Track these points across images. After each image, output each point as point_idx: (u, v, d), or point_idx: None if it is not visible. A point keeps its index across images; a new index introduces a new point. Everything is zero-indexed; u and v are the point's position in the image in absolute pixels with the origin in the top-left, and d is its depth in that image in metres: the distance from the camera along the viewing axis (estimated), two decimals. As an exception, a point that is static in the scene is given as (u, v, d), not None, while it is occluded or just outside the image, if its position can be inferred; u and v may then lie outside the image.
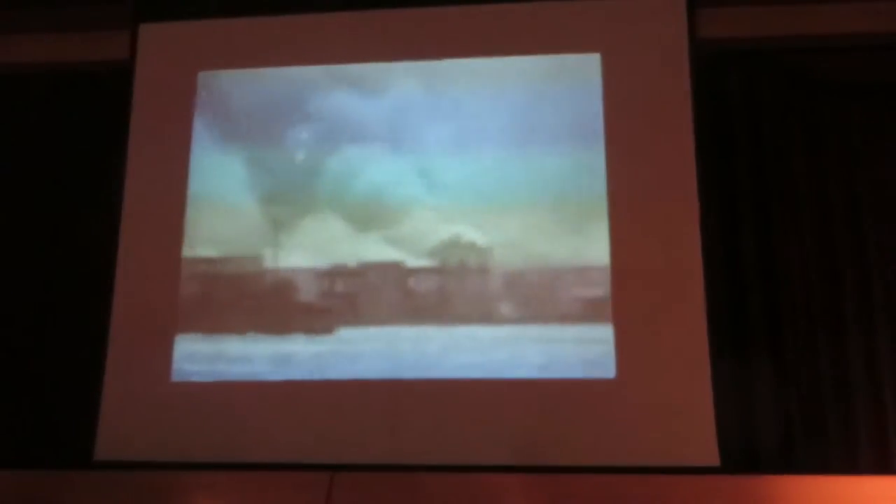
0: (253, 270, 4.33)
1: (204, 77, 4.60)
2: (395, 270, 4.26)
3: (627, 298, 4.09)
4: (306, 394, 4.13)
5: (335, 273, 4.30)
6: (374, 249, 4.29)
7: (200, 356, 4.22)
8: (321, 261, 4.30)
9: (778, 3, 4.52)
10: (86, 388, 4.20)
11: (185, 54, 4.66)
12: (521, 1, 4.48)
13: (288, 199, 4.41)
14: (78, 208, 4.62)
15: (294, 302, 4.28)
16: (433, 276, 4.23)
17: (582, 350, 4.06)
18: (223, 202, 4.42)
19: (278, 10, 4.62)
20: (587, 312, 4.11)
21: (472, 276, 4.22)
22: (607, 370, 4.03)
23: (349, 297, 4.24)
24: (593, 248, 4.16)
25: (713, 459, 3.82)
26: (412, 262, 4.26)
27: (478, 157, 4.33)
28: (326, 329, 4.21)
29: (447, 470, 3.81)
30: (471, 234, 4.26)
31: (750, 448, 4.02)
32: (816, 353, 4.17)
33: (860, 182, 4.39)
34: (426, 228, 4.28)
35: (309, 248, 4.32)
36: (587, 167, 4.25)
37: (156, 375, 4.20)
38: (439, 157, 4.36)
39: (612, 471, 3.75)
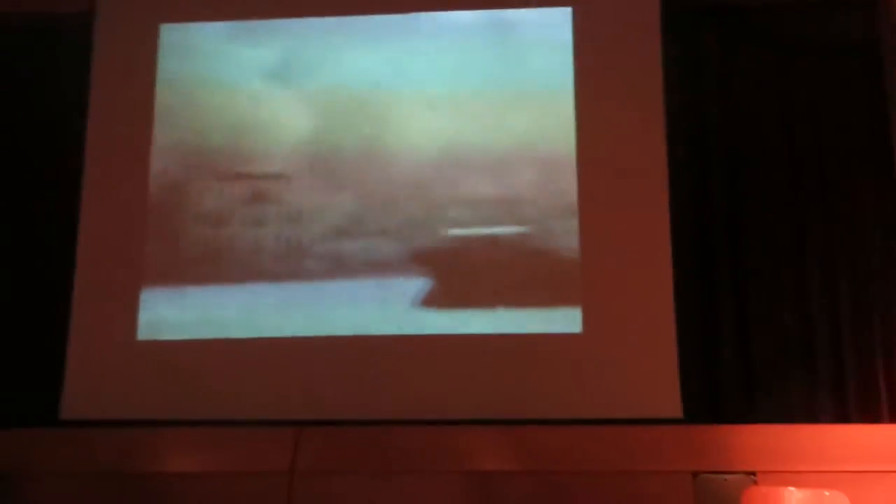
0: (221, 218, 4.28)
1: (166, 29, 4.51)
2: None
3: (595, 253, 4.11)
4: (274, 351, 4.11)
5: (303, 220, 4.26)
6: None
7: (166, 310, 4.17)
8: (288, 209, 4.26)
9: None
10: (51, 346, 4.15)
11: (146, 6, 4.57)
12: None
13: (253, 136, 4.35)
14: (40, 163, 4.52)
15: (262, 252, 4.24)
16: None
17: (549, 304, 4.10)
18: (188, 149, 4.36)
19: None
20: (555, 267, 4.13)
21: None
22: (574, 325, 4.06)
23: (318, 250, 4.22)
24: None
25: (676, 411, 3.89)
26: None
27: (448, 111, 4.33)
28: (294, 277, 4.19)
29: (416, 424, 3.83)
30: (437, 194, 4.25)
31: (713, 400, 4.10)
32: (780, 308, 4.23)
33: (829, 138, 4.43)
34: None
35: (274, 200, 4.29)
36: (557, 120, 4.25)
37: (122, 332, 4.16)
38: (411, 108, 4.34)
39: (579, 423, 3.79)
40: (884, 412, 4.11)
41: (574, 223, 4.15)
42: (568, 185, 4.18)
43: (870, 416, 4.03)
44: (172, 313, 4.17)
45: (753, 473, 3.42)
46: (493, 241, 4.19)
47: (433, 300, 4.12)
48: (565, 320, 4.07)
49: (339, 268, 4.18)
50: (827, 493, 3.08)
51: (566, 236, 4.15)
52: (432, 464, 3.67)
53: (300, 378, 4.02)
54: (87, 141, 4.38)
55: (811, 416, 4.02)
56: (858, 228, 4.35)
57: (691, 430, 3.68)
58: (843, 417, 4.06)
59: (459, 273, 4.17)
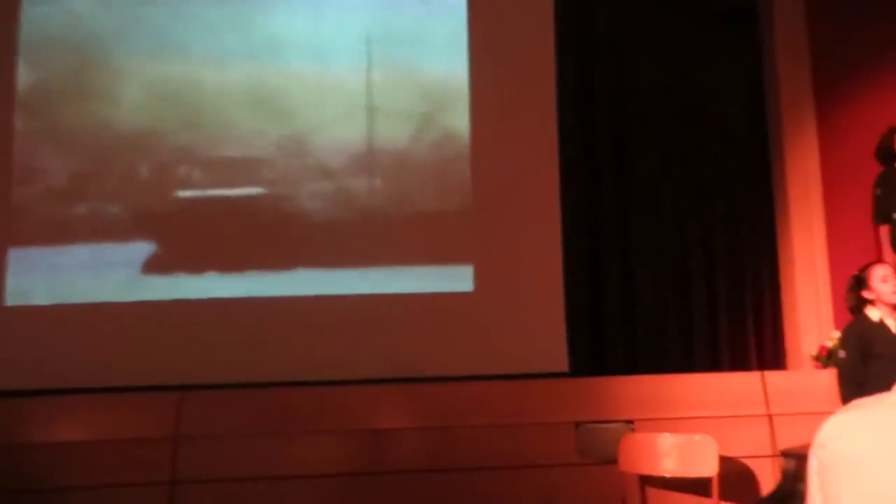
0: (96, 170, 4.04)
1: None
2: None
3: (486, 213, 4.15)
4: (157, 314, 3.95)
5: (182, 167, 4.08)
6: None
7: (37, 272, 3.92)
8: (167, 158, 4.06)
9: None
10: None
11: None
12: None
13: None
14: None
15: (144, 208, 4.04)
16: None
17: (442, 263, 4.12)
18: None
19: None
20: (447, 226, 4.14)
21: (333, 189, 4.13)
22: (466, 284, 4.10)
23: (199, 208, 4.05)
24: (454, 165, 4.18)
25: (563, 366, 4.03)
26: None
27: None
28: (177, 238, 4.02)
29: (306, 385, 3.78)
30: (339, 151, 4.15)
31: (598, 354, 4.27)
32: (661, 268, 4.43)
33: (709, 99, 4.61)
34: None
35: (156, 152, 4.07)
36: (450, 74, 4.23)
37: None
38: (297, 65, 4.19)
39: (470, 379, 3.84)
40: (752, 362, 4.40)
41: (468, 182, 4.17)
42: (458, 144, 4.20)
43: (740, 366, 4.31)
44: (39, 278, 3.93)
45: (631, 422, 3.57)
46: (379, 195, 4.15)
47: (320, 259, 4.05)
48: (458, 279, 4.11)
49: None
50: (697, 437, 3.26)
51: (459, 196, 4.18)
52: (324, 424, 3.63)
53: (187, 342, 3.89)
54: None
55: (688, 367, 4.25)
56: (733, 191, 4.59)
57: (575, 383, 3.80)
58: (715, 368, 4.32)
59: (349, 230, 4.12)
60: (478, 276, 4.09)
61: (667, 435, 3.34)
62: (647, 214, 4.49)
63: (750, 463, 3.40)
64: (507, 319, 4.04)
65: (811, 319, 4.24)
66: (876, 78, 4.82)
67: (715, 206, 4.57)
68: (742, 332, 4.46)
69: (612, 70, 4.56)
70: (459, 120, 4.19)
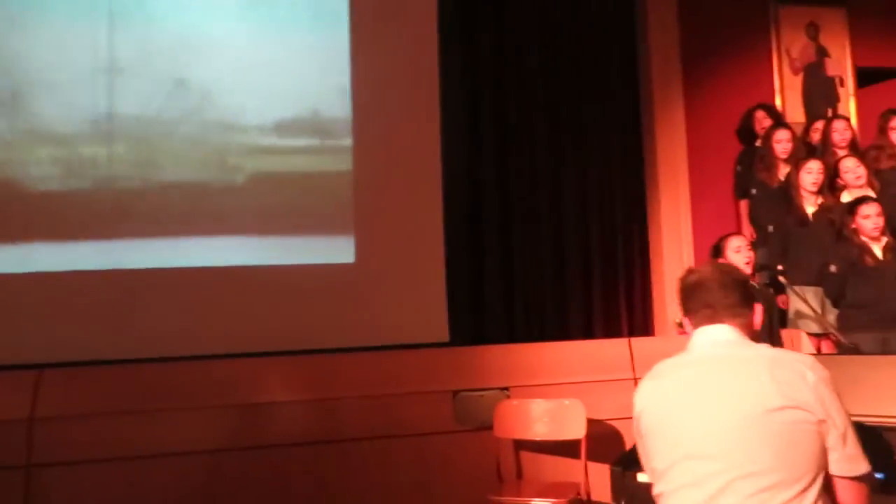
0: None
1: None
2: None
3: (367, 184, 4.11)
4: (9, 288, 3.68)
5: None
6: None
7: None
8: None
9: None
10: None
11: None
12: None
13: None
14: None
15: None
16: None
17: (323, 234, 4.06)
18: None
19: None
20: (328, 198, 4.07)
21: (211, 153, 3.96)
22: (347, 255, 4.06)
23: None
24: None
25: (443, 335, 4.08)
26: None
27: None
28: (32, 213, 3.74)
29: (177, 360, 3.64)
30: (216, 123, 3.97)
31: (478, 324, 4.35)
32: (538, 244, 4.55)
33: (585, 80, 4.75)
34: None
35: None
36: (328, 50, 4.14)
37: None
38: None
39: (350, 350, 3.82)
40: (624, 329, 4.62)
41: (348, 156, 4.11)
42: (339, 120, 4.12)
43: (612, 334, 4.51)
44: None
45: (507, 388, 3.67)
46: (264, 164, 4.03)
47: (192, 228, 3.89)
48: (339, 250, 4.06)
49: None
50: (567, 402, 3.40)
51: (340, 164, 4.11)
52: (197, 400, 3.51)
53: (41, 318, 3.64)
54: None
55: (563, 336, 4.41)
56: (607, 170, 4.76)
57: (453, 353, 3.86)
58: (589, 336, 4.50)
59: (228, 196, 3.97)
60: (359, 248, 4.06)
61: (539, 400, 3.46)
62: (526, 189, 4.59)
63: (617, 424, 3.57)
64: (388, 291, 4.04)
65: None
66: (738, 62, 5.12)
67: (590, 184, 4.74)
68: (614, 301, 4.67)
69: (493, 44, 4.60)
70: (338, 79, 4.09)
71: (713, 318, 1.76)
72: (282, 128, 4.05)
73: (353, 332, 3.97)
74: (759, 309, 1.80)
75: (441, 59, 4.32)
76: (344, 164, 4.10)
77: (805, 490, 1.55)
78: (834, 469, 1.60)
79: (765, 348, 1.72)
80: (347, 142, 4.12)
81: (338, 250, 4.06)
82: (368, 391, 3.64)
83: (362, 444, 3.56)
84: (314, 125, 4.10)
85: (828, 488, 1.63)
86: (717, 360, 1.71)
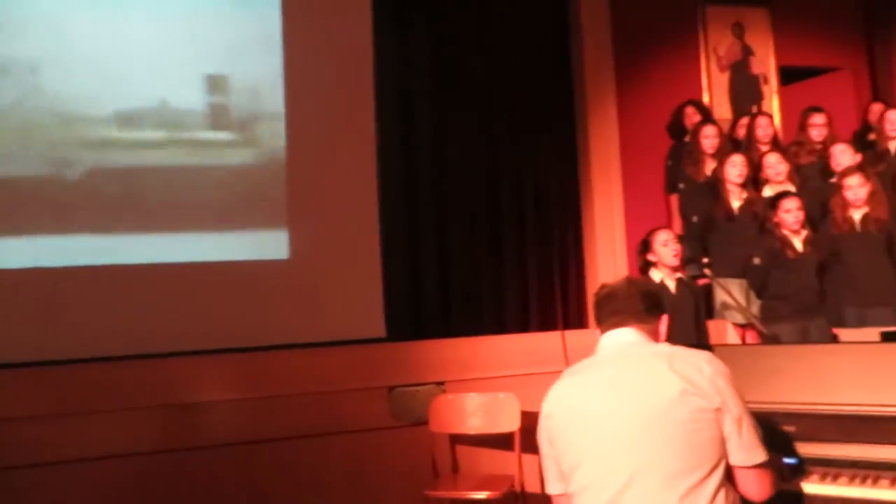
0: None
1: None
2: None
3: (301, 178, 4.06)
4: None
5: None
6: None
7: None
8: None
9: None
10: None
11: None
12: None
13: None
14: None
15: None
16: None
17: (256, 231, 3.99)
18: None
19: None
20: (261, 192, 4.00)
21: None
22: (281, 251, 4.01)
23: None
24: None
25: (380, 331, 4.07)
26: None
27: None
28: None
29: (107, 360, 3.53)
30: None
31: (415, 319, 4.35)
32: (475, 238, 4.58)
33: (520, 75, 4.78)
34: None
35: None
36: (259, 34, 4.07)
37: None
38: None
39: (285, 348, 3.77)
40: (559, 322, 4.69)
41: (281, 146, 4.04)
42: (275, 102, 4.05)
43: (547, 327, 4.57)
44: None
45: (442, 383, 3.69)
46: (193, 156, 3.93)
47: (122, 223, 3.77)
48: (273, 245, 4.00)
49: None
50: (501, 395, 3.44)
51: (273, 157, 4.04)
52: (132, 401, 3.41)
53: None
54: None
55: (500, 330, 4.45)
56: (543, 167, 4.82)
57: (389, 348, 3.86)
58: (525, 330, 4.56)
59: (155, 192, 3.85)
60: (293, 244, 4.01)
61: (473, 394, 3.49)
62: (462, 183, 4.60)
63: (551, 416, 3.63)
64: (323, 287, 4.00)
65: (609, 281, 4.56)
66: (668, 59, 5.25)
67: (526, 179, 4.78)
68: (550, 294, 4.73)
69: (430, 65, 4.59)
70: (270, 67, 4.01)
71: (618, 323, 1.84)
72: (211, 118, 3.96)
73: (288, 329, 3.91)
74: (664, 319, 1.89)
75: (375, 52, 4.29)
76: (277, 156, 4.03)
77: (706, 477, 1.63)
78: (732, 459, 1.68)
79: (664, 346, 1.81)
80: (281, 133, 4.05)
81: (272, 246, 4.00)
82: (303, 389, 3.61)
83: (297, 443, 3.53)
84: (245, 116, 4.03)
85: (730, 476, 1.70)
86: (620, 359, 1.79)
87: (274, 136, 4.05)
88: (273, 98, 4.05)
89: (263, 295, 3.94)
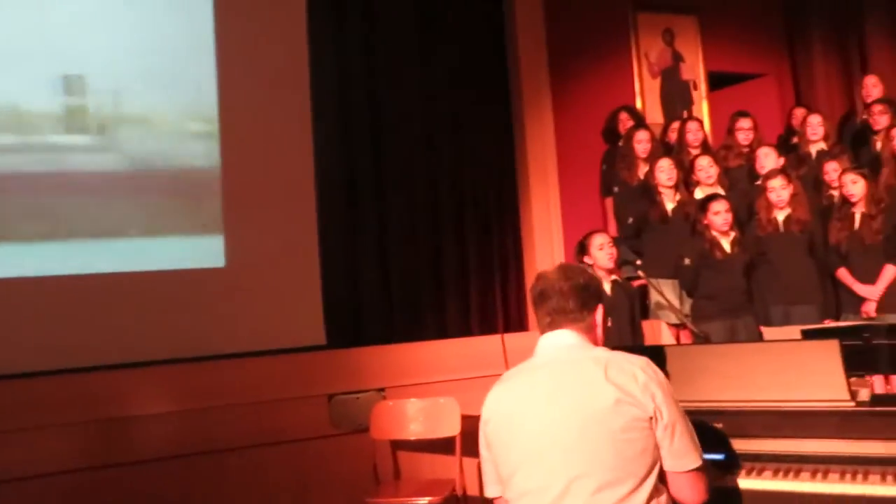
0: None
1: None
2: None
3: (236, 183, 3.99)
4: None
5: None
6: None
7: None
8: None
9: None
10: None
11: None
12: None
13: None
14: None
15: None
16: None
17: (191, 242, 3.91)
18: None
19: None
20: (195, 195, 3.92)
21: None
22: (217, 259, 3.94)
23: None
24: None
25: (320, 339, 4.03)
26: None
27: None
28: None
29: (31, 376, 3.40)
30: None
31: (356, 326, 4.32)
32: (415, 242, 4.58)
33: (460, 71, 4.81)
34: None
35: None
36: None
37: None
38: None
39: (222, 358, 3.70)
40: (500, 325, 4.73)
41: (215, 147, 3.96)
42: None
43: (488, 331, 4.61)
44: None
45: (383, 389, 3.69)
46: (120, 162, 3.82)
47: (46, 231, 3.63)
48: (208, 252, 3.92)
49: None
50: (441, 400, 3.45)
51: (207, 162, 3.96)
52: (58, 417, 3.29)
53: None
54: None
55: (441, 335, 4.46)
56: (481, 167, 4.85)
57: (329, 356, 3.83)
58: (467, 332, 4.59)
59: (84, 195, 3.72)
60: (229, 251, 3.94)
61: (414, 400, 3.50)
62: (401, 188, 4.60)
63: (491, 419, 3.66)
64: (261, 295, 3.94)
65: (548, 284, 4.63)
66: (602, 65, 5.36)
67: (465, 183, 4.81)
68: (490, 298, 4.77)
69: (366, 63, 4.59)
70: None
71: (554, 325, 1.84)
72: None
73: (228, 339, 3.84)
74: (600, 308, 1.90)
75: (311, 54, 4.26)
76: (212, 160, 3.95)
77: (638, 486, 1.65)
78: (665, 464, 1.71)
79: (601, 351, 1.82)
80: (214, 136, 3.98)
81: (208, 254, 3.92)
82: (242, 399, 3.56)
83: (236, 454, 3.48)
84: (194, 115, 3.94)
85: (663, 483, 1.73)
86: (556, 364, 1.80)
87: (208, 138, 3.97)
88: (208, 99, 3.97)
89: (201, 304, 3.86)
